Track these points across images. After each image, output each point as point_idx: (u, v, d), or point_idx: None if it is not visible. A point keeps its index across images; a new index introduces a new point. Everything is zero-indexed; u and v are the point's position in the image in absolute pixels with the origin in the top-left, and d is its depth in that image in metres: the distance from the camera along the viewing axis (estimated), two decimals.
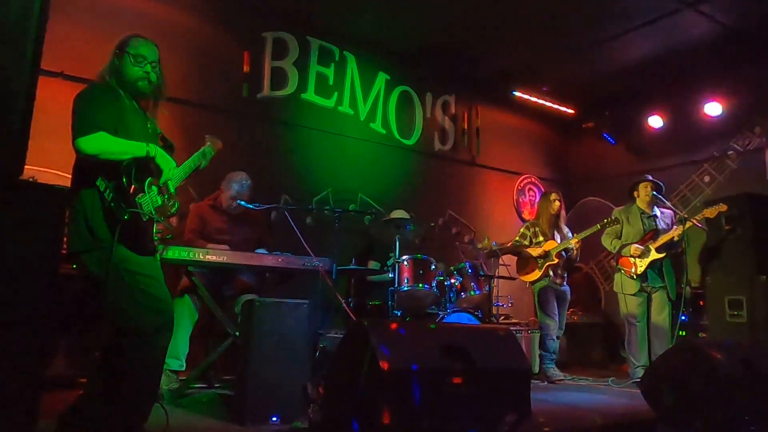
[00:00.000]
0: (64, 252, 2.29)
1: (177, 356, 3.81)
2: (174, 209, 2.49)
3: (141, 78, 2.53)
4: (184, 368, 3.83)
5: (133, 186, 2.35)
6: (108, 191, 2.32)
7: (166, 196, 2.48)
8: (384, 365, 1.93)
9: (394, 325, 2.13)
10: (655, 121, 6.93)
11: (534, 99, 7.48)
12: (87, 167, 2.39)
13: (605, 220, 5.11)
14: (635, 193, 5.27)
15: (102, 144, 2.33)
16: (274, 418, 2.88)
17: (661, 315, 5.01)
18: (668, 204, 5.24)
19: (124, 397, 2.29)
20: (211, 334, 4.18)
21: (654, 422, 3.12)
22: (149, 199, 2.40)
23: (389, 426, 1.93)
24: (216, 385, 4.04)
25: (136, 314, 2.34)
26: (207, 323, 4.09)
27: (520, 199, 7.67)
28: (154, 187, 2.44)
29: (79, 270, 2.46)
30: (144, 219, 2.36)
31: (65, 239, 2.34)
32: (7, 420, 1.72)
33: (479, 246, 5.25)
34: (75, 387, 3.49)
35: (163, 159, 2.48)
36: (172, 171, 2.52)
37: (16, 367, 1.77)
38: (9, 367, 1.74)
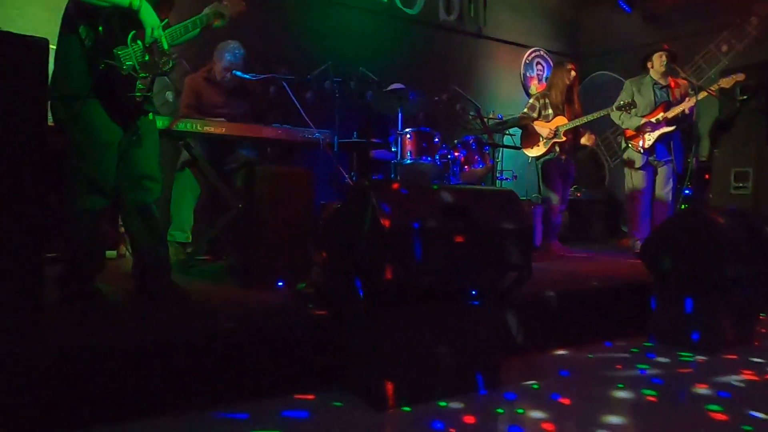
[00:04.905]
0: None
1: (182, 228, 3.87)
2: (167, 67, 2.38)
3: None
4: (189, 240, 3.89)
5: (111, 36, 2.24)
6: (88, 39, 2.23)
7: (158, 52, 2.36)
8: (385, 222, 1.91)
9: (395, 185, 2.09)
10: None
11: None
12: (71, 13, 2.30)
13: (620, 103, 4.85)
14: (649, 64, 5.04)
15: None
16: (280, 283, 2.95)
17: (665, 189, 4.98)
18: (683, 75, 4.99)
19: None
20: (217, 208, 4.19)
21: (651, 286, 3.18)
22: (131, 53, 2.29)
23: (391, 282, 1.95)
24: (223, 258, 4.12)
25: (74, 171, 2.33)
26: (212, 198, 4.09)
27: (527, 74, 7.39)
28: (139, 42, 2.32)
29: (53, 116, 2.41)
30: (123, 73, 2.27)
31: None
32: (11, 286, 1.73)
33: (485, 119, 5.10)
34: None
35: (148, 14, 2.34)
36: (157, 30, 2.37)
37: (14, 240, 1.75)
38: (7, 240, 1.73)
